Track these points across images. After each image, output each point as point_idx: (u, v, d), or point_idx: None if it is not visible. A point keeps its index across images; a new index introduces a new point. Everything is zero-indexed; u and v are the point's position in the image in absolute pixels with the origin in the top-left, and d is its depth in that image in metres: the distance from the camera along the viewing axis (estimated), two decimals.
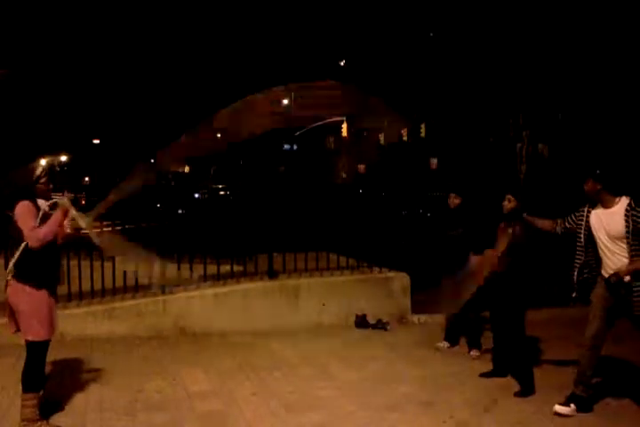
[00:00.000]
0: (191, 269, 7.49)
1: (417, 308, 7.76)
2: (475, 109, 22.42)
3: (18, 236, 4.16)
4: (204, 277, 7.50)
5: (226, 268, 7.71)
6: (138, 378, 5.44)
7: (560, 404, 4.58)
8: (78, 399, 4.88)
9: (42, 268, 4.20)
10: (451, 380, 5.43)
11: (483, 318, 6.40)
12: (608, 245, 4.41)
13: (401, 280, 7.77)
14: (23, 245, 4.15)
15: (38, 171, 4.29)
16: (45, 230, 4.14)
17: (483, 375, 5.44)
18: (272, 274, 7.64)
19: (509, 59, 18.18)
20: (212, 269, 7.62)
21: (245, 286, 7.46)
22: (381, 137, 36.43)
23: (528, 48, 17.14)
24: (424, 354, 6.26)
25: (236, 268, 7.74)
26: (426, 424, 4.45)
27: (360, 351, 6.40)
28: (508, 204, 5.22)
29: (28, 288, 4.15)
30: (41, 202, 4.25)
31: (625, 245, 4.31)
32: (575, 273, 4.63)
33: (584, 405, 4.57)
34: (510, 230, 5.18)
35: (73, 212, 4.29)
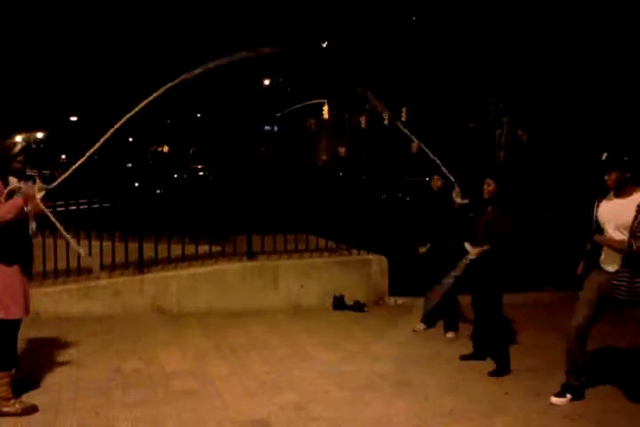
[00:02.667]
0: (169, 248, 7.45)
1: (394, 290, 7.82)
2: (456, 95, 22.46)
3: None
4: (182, 257, 7.47)
5: (204, 248, 7.68)
6: (114, 357, 5.42)
7: (555, 395, 4.50)
8: (53, 378, 4.86)
9: (12, 245, 4.11)
10: (427, 361, 5.49)
11: (458, 302, 6.48)
12: (612, 234, 4.29)
13: (379, 263, 7.81)
14: None
15: (17, 148, 4.18)
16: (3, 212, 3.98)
17: (463, 358, 5.49)
18: (251, 255, 7.63)
19: (490, 45, 18.20)
20: (190, 249, 7.59)
21: (223, 266, 7.45)
22: (362, 120, 36.38)
23: (509, 35, 17.17)
24: (401, 336, 6.31)
25: (214, 248, 7.71)
26: (401, 404, 4.50)
27: (337, 332, 6.44)
28: (488, 187, 5.27)
29: None
30: (12, 179, 4.16)
31: (627, 236, 4.19)
32: (582, 264, 4.57)
33: (578, 393, 4.53)
34: (487, 211, 5.23)
35: (37, 200, 4.08)
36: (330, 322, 6.88)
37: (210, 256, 7.58)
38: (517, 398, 4.61)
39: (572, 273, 4.68)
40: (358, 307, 7.42)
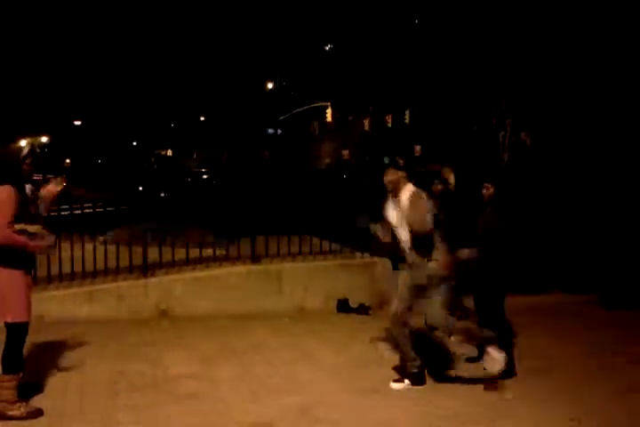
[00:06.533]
0: (173, 252, 7.46)
1: None
2: (458, 97, 22.46)
3: None
4: (186, 261, 7.47)
5: (208, 251, 7.69)
6: (119, 360, 5.43)
7: (394, 380, 4.85)
8: (58, 381, 4.86)
9: (18, 249, 4.13)
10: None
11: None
12: (403, 233, 4.68)
13: (384, 265, 7.80)
14: None
15: (25, 151, 4.26)
16: (11, 237, 4.00)
17: (469, 360, 5.48)
18: (255, 258, 7.64)
19: (493, 47, 18.21)
20: (194, 252, 7.60)
21: (228, 269, 7.45)
22: (366, 123, 36.39)
23: (512, 37, 17.17)
24: None
25: (218, 251, 7.72)
26: (406, 407, 4.49)
27: (341, 335, 6.44)
28: (487, 191, 5.31)
29: (5, 269, 4.10)
30: (26, 186, 4.22)
31: (407, 232, 4.61)
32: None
33: (418, 379, 4.80)
34: (485, 214, 5.27)
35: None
36: (334, 325, 6.88)
37: (214, 259, 7.59)
38: (522, 402, 4.60)
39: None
40: (363, 310, 7.41)
